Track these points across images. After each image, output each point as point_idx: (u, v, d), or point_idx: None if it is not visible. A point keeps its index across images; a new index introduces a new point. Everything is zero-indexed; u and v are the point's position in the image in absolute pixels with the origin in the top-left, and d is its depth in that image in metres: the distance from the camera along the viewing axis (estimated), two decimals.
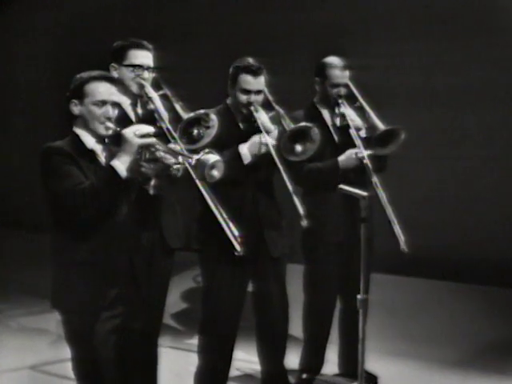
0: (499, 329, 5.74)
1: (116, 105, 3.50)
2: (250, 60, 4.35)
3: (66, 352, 3.48)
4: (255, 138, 4.27)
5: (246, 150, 4.27)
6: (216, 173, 3.44)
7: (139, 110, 4.15)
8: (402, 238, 4.46)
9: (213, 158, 3.40)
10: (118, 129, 3.42)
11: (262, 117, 4.30)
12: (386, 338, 5.41)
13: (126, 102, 4.10)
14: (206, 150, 3.43)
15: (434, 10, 6.55)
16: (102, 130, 3.44)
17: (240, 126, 4.38)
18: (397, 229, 4.46)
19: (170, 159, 3.41)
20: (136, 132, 3.36)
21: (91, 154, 3.46)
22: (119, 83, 3.70)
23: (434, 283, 6.24)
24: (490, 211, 6.44)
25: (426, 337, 5.56)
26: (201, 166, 3.37)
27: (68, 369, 3.52)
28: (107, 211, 3.38)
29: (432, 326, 5.69)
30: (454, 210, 6.52)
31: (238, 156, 4.25)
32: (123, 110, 4.01)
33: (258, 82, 4.32)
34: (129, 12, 7.94)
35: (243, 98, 4.31)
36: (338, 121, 4.74)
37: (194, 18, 7.69)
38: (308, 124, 4.27)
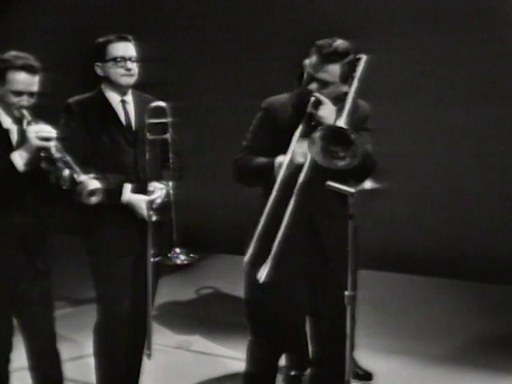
0: (489, 324, 5.75)
1: (34, 94, 3.66)
2: (339, 43, 3.61)
3: None
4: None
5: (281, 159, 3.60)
6: (94, 199, 3.62)
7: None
8: None
9: (93, 185, 3.58)
10: (33, 122, 3.61)
11: (323, 109, 3.59)
12: (375, 334, 5.41)
13: (116, 100, 4.08)
14: (92, 175, 3.61)
15: (429, 6, 6.52)
16: (17, 115, 3.65)
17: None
18: None
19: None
20: (38, 133, 3.57)
21: (5, 133, 3.68)
22: (40, 71, 3.74)
23: (423, 279, 6.24)
24: (479, 208, 6.44)
25: (415, 333, 5.57)
26: (82, 187, 3.57)
27: None
28: (4, 199, 3.61)
29: (421, 322, 5.70)
30: (442, 206, 6.51)
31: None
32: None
33: (329, 71, 3.59)
34: (127, 8, 7.87)
35: (306, 83, 3.65)
36: None
37: (195, 13, 7.65)
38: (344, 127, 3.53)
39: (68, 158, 3.60)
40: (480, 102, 6.34)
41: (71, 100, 4.09)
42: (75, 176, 3.54)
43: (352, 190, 3.47)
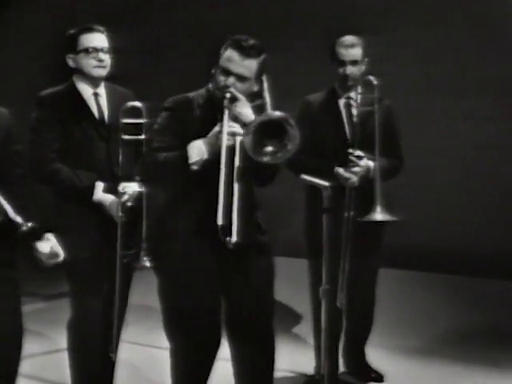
0: (467, 317, 5.78)
1: None
2: (254, 40, 3.52)
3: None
4: (215, 128, 3.44)
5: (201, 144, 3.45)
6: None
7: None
8: None
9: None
10: None
11: (239, 106, 3.46)
12: None
13: (88, 92, 4.03)
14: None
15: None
16: None
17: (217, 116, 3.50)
18: None
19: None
20: None
21: None
22: None
23: (402, 273, 6.24)
24: (460, 202, 6.42)
25: (394, 326, 5.56)
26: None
27: None
28: None
29: (396, 315, 5.70)
30: (425, 200, 6.49)
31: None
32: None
33: (247, 66, 3.50)
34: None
35: (221, 79, 3.51)
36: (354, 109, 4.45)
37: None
38: (282, 114, 3.33)
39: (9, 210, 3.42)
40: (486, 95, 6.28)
41: (43, 93, 4.04)
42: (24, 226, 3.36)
43: (326, 183, 3.43)
